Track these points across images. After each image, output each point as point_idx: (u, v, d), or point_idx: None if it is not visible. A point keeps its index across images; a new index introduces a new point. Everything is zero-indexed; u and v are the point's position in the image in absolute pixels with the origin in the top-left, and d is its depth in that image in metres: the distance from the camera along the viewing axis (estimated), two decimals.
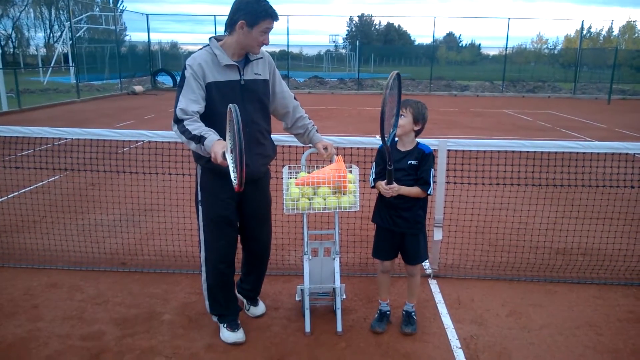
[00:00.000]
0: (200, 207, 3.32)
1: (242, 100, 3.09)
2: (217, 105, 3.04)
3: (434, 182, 3.39)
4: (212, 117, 3.03)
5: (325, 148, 3.46)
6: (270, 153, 3.38)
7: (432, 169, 3.31)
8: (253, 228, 3.48)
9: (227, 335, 3.39)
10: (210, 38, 3.16)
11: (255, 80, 3.19)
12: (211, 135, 2.84)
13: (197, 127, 2.90)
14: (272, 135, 3.41)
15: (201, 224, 3.34)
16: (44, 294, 4.04)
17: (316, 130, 3.55)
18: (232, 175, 2.60)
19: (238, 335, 3.38)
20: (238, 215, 3.36)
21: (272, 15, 3.02)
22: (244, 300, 3.78)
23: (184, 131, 2.92)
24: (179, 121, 2.96)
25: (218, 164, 2.74)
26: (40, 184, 6.95)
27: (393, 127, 3.16)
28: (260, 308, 3.76)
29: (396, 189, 3.19)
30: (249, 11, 2.97)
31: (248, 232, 3.49)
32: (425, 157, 3.29)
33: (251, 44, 3.06)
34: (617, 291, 4.17)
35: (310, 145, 3.57)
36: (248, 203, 3.34)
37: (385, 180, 3.19)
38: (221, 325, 3.45)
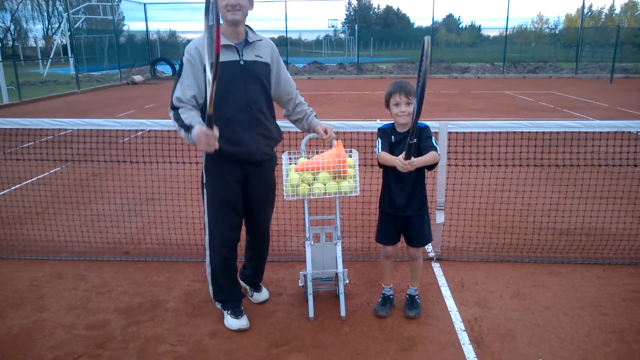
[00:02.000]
0: (204, 190, 3.34)
1: (243, 81, 3.13)
2: (219, 85, 2.96)
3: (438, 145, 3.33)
4: (219, 97, 2.97)
5: (325, 131, 3.45)
6: (274, 135, 3.36)
7: (432, 137, 3.26)
8: (255, 211, 3.48)
9: (231, 322, 3.40)
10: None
11: (255, 62, 3.20)
12: (197, 126, 2.91)
13: (189, 116, 3.01)
14: None
15: (206, 207, 3.36)
16: (48, 284, 4.06)
17: (315, 116, 3.56)
18: (207, 49, 2.73)
19: (242, 322, 3.40)
20: (243, 198, 3.36)
21: None
22: (247, 287, 3.79)
23: (178, 118, 3.03)
24: (174, 108, 3.07)
25: (211, 143, 2.82)
26: (42, 175, 6.95)
27: (415, 98, 2.99)
28: (263, 294, 3.77)
29: (415, 162, 3.07)
30: None
31: (250, 215, 3.50)
32: (422, 131, 3.24)
33: (224, 13, 3.06)
34: (621, 271, 4.16)
35: (310, 130, 3.56)
36: (252, 186, 3.35)
37: (402, 155, 3.05)
38: (225, 312, 3.46)
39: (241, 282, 3.76)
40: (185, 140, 3.03)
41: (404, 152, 3.04)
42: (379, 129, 3.41)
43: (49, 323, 3.48)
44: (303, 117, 3.52)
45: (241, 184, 3.29)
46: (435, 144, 3.24)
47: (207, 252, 3.42)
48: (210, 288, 3.51)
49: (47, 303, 3.76)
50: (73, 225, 5.12)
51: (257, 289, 3.78)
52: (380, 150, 3.30)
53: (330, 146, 3.53)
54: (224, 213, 3.30)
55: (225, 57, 3.06)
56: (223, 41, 3.07)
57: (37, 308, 3.68)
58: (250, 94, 3.13)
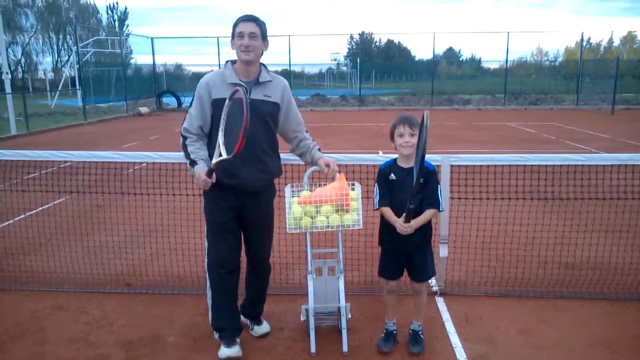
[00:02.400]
0: (205, 214, 3.49)
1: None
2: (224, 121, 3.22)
3: (442, 197, 3.36)
4: (219, 130, 3.21)
5: (328, 165, 3.49)
6: (272, 169, 3.45)
7: (438, 186, 3.31)
8: (252, 240, 3.55)
9: (223, 350, 3.36)
10: (227, 61, 3.42)
11: (263, 101, 3.31)
12: (201, 164, 3.25)
13: (195, 149, 3.32)
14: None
15: (206, 231, 3.49)
16: (50, 316, 4.02)
17: (318, 149, 3.60)
18: (222, 149, 3.06)
19: (233, 350, 3.34)
20: (239, 225, 3.45)
21: (240, 19, 3.27)
22: (247, 321, 3.76)
23: (185, 149, 3.35)
24: (183, 137, 3.37)
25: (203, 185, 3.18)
26: (46, 206, 6.96)
27: (414, 166, 3.14)
28: (264, 327, 3.73)
29: (414, 226, 3.17)
30: (232, 29, 3.31)
31: (248, 244, 3.57)
32: (431, 175, 3.28)
33: (238, 53, 3.29)
34: (630, 306, 4.09)
35: (313, 163, 3.59)
36: (247, 215, 3.43)
37: (402, 218, 3.16)
38: (221, 343, 3.43)
39: (242, 318, 3.73)
40: (190, 170, 3.33)
41: (404, 216, 3.15)
42: (380, 170, 3.43)
43: (49, 357, 3.44)
44: (306, 151, 3.59)
45: (236, 211, 3.40)
46: (439, 196, 3.29)
47: (207, 275, 3.52)
48: (210, 314, 3.56)
49: (47, 336, 3.72)
50: (76, 256, 5.10)
51: (258, 322, 3.74)
52: (379, 200, 3.35)
53: (333, 179, 3.54)
54: (220, 234, 3.40)
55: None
56: (233, 79, 3.28)
57: (37, 341, 3.65)
58: (253, 131, 3.16)
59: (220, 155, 3.07)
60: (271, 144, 3.41)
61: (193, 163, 3.26)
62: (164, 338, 3.68)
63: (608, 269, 4.69)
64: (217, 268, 3.41)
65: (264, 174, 3.38)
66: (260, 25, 3.26)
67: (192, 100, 3.37)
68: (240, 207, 3.39)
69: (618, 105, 24.76)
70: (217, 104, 3.24)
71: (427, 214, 3.25)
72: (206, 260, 3.49)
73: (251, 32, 3.22)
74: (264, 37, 3.29)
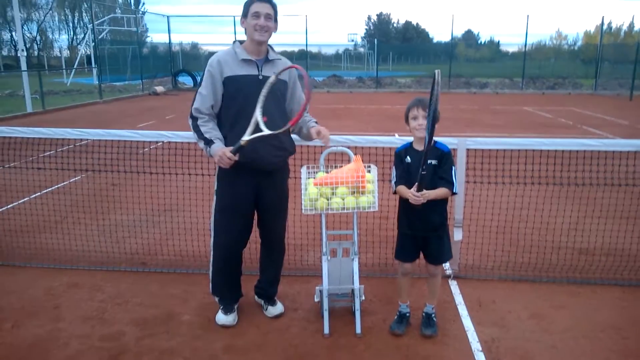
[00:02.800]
0: (215, 196, 3.51)
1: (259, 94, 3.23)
2: (237, 97, 3.27)
3: (456, 180, 3.34)
4: (231, 109, 3.29)
5: (319, 132, 3.39)
6: (286, 147, 3.44)
7: (453, 167, 3.28)
8: (267, 220, 3.58)
9: (219, 317, 3.58)
10: (234, 40, 3.42)
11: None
12: (218, 143, 3.23)
13: (209, 129, 3.29)
14: None
15: (213, 211, 3.52)
16: (65, 294, 4.09)
17: (315, 122, 3.55)
18: (262, 125, 3.07)
19: (229, 318, 3.55)
20: (253, 207, 3.48)
21: (256, 0, 3.23)
22: (262, 302, 3.80)
23: (197, 130, 3.30)
24: (194, 118, 3.32)
25: (224, 164, 3.16)
26: (62, 184, 7.05)
27: (427, 129, 3.09)
28: (278, 308, 3.76)
29: (426, 195, 3.14)
30: (243, 8, 3.30)
31: (263, 224, 3.60)
32: (445, 157, 3.26)
33: (251, 32, 3.25)
34: None
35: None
36: (263, 195, 3.46)
37: (414, 188, 3.13)
38: (220, 307, 3.61)
39: (256, 298, 3.82)
40: (204, 150, 3.30)
41: (416, 184, 3.10)
42: (396, 153, 3.42)
43: (64, 333, 3.51)
44: (303, 125, 3.55)
45: (253, 192, 3.42)
46: (453, 177, 3.26)
47: (212, 253, 3.59)
48: (210, 283, 3.67)
49: (62, 313, 3.79)
50: (91, 234, 5.17)
51: (272, 302, 3.77)
52: (395, 182, 3.33)
53: (349, 161, 3.53)
54: (232, 218, 3.45)
55: (245, 70, 3.28)
56: (245, 56, 3.28)
57: (52, 318, 3.71)
58: (265, 107, 3.19)
59: (258, 131, 3.07)
60: (283, 120, 3.36)
61: (209, 142, 3.23)
62: (179, 317, 3.73)
63: (622, 255, 4.65)
64: (224, 251, 3.51)
65: (279, 150, 3.38)
66: (274, 6, 3.30)
67: (202, 79, 3.34)
68: (257, 187, 3.41)
69: (637, 91, 24.24)
70: (229, 82, 3.25)
71: (441, 190, 3.22)
72: (212, 239, 3.55)
73: (267, 12, 3.22)
74: (276, 19, 3.34)
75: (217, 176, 3.47)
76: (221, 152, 3.15)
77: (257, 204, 3.49)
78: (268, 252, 3.73)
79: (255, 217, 3.58)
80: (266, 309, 3.75)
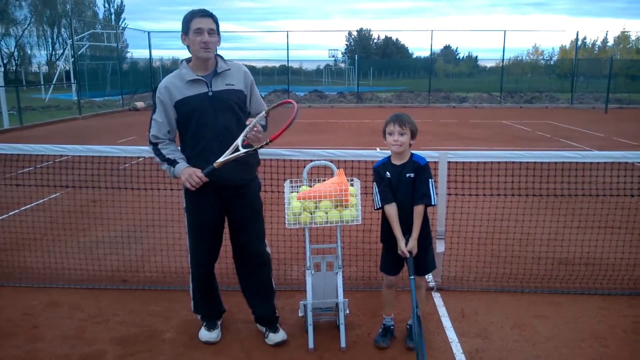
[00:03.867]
0: (185, 213, 3.49)
1: (214, 110, 3.20)
2: (191, 118, 3.20)
3: (436, 193, 3.37)
4: (192, 129, 3.22)
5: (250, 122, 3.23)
6: (248, 160, 3.30)
7: (430, 180, 3.31)
8: (239, 235, 3.49)
9: (202, 333, 3.58)
10: (181, 60, 3.32)
11: (227, 90, 3.25)
12: (182, 162, 3.20)
13: (170, 151, 3.26)
14: (272, 150, 3.42)
15: (186, 229, 3.52)
16: (44, 313, 4.01)
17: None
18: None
19: (212, 335, 3.55)
20: (223, 223, 3.45)
21: (196, 13, 3.13)
22: (263, 329, 3.62)
23: (159, 154, 3.27)
24: (154, 144, 3.30)
25: (193, 184, 3.10)
26: (41, 201, 6.94)
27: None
28: (279, 335, 3.54)
29: (414, 244, 3.26)
30: (182, 24, 3.18)
31: (236, 239, 3.51)
32: (422, 170, 3.29)
33: (196, 50, 3.15)
34: (621, 302, 4.13)
35: (312, 159, 3.56)
36: (232, 210, 3.41)
37: (402, 246, 3.26)
38: (202, 324, 3.61)
39: (257, 325, 3.68)
40: (167, 172, 3.27)
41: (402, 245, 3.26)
42: (374, 168, 3.44)
43: (43, 353, 3.43)
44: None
45: (220, 208, 3.38)
46: (430, 190, 3.29)
47: (190, 271, 3.58)
48: (192, 301, 3.67)
49: (41, 332, 3.71)
50: (71, 252, 5.09)
51: (273, 328, 3.57)
52: (380, 200, 3.34)
53: (332, 175, 3.54)
54: (200, 235, 3.44)
55: (194, 90, 3.20)
56: (191, 76, 3.20)
57: (31, 337, 3.63)
58: (222, 122, 3.18)
59: (235, 152, 3.03)
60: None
61: (173, 162, 3.20)
62: (161, 335, 3.68)
63: (601, 265, 4.73)
64: (196, 268, 3.54)
65: (242, 164, 3.24)
66: (216, 20, 3.19)
67: (154, 105, 3.28)
68: (225, 202, 3.35)
69: (611, 105, 24.82)
70: (180, 105, 3.19)
71: (419, 219, 3.27)
72: (189, 257, 3.56)
73: (210, 27, 3.12)
74: (219, 32, 3.23)
75: (184, 194, 3.40)
76: (190, 170, 3.10)
77: (229, 219, 3.44)
78: (244, 268, 3.58)
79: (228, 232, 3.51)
80: (267, 336, 3.55)
